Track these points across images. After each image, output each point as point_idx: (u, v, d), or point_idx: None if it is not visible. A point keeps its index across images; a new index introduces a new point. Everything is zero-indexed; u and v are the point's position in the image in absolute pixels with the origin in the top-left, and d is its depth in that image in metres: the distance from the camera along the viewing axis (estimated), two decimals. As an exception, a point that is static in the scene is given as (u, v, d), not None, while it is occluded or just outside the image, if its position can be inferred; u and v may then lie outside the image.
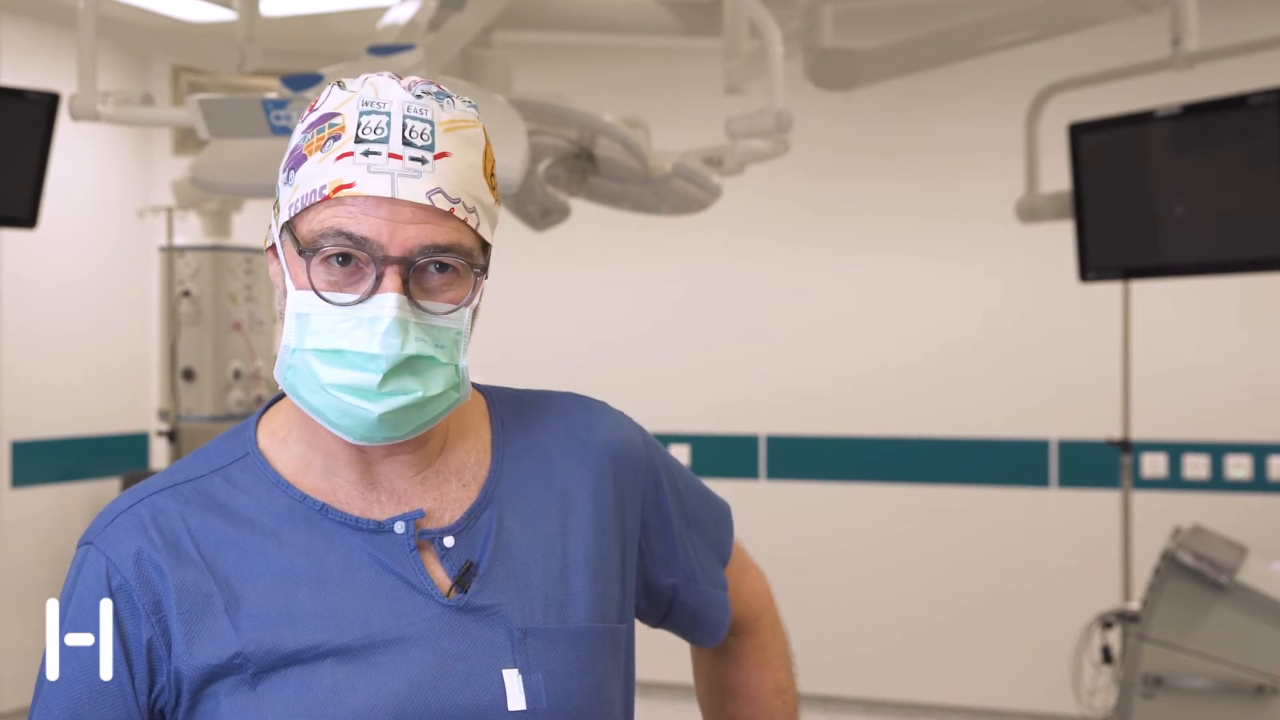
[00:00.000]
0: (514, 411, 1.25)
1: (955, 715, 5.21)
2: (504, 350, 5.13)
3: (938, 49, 3.68)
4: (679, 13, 3.80)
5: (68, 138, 4.50)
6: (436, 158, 1.08)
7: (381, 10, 3.20)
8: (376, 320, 1.06)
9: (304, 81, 2.59)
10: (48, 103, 3.41)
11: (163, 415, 4.86)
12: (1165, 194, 3.68)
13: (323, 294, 1.08)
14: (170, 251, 4.81)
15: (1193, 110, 3.51)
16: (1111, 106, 3.80)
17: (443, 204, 1.08)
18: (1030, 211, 3.99)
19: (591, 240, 5.09)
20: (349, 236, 1.06)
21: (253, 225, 4.99)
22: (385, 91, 1.09)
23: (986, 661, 5.15)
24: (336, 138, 1.08)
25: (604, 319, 5.63)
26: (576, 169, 3.39)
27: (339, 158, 1.08)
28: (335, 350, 1.07)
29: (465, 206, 1.09)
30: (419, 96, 1.10)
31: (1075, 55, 4.36)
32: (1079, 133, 3.74)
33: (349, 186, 1.07)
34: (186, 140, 5.63)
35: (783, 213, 5.43)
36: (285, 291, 1.12)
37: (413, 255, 1.07)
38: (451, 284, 1.10)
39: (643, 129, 3.39)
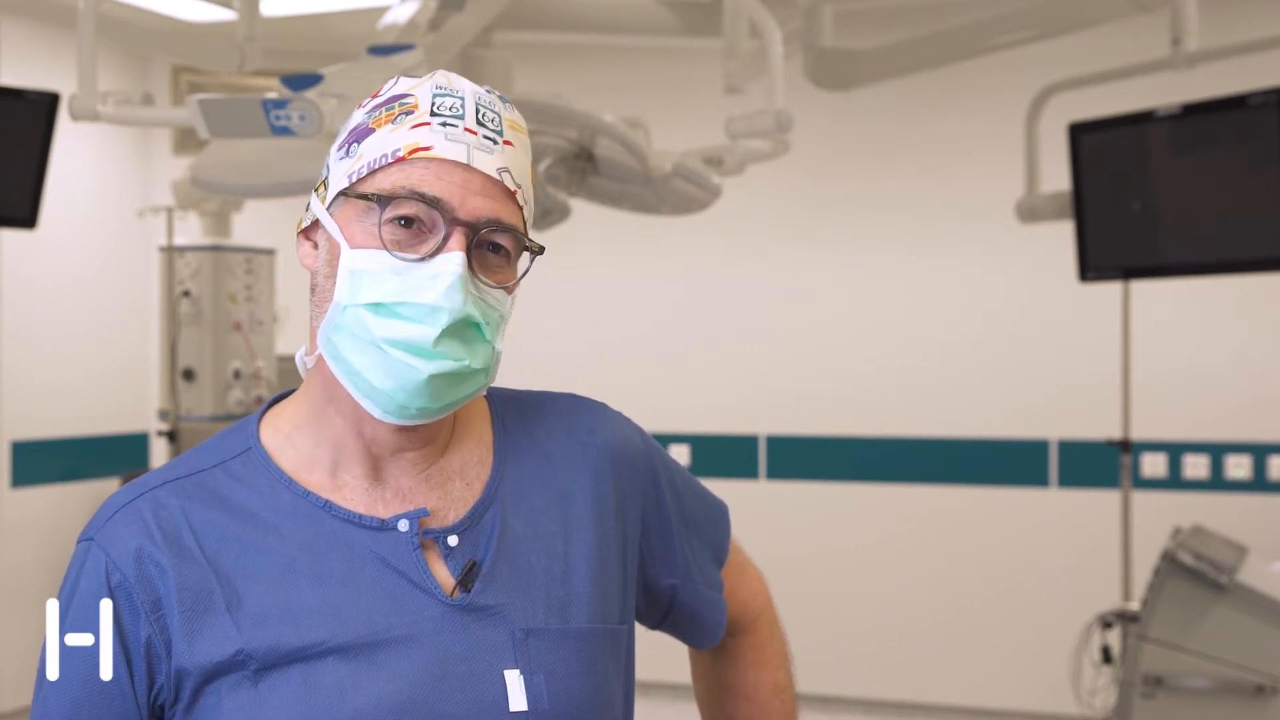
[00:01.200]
0: (515, 412, 1.25)
1: (955, 715, 5.21)
2: (504, 350, 5.12)
3: (938, 49, 3.68)
4: (679, 13, 3.80)
5: (68, 138, 4.50)
6: (504, 143, 1.13)
7: (381, 10, 3.20)
8: (439, 276, 1.08)
9: (304, 81, 2.59)
10: (48, 103, 3.41)
11: (163, 415, 4.85)
12: (1165, 194, 3.68)
13: (390, 250, 1.09)
14: (170, 251, 4.81)
15: (1193, 110, 3.51)
16: (1111, 106, 3.80)
17: (510, 183, 1.12)
18: (1030, 211, 3.99)
19: (591, 240, 5.09)
20: (422, 196, 1.09)
21: (253, 225, 4.99)
22: (457, 82, 1.15)
23: (986, 661, 5.15)
24: (409, 112, 1.12)
25: (604, 319, 5.63)
26: (576, 169, 3.39)
27: (414, 126, 1.11)
28: (393, 303, 1.08)
29: (524, 195, 1.14)
30: (488, 92, 1.16)
31: (1075, 55, 4.36)
32: (1079, 133, 3.74)
33: (426, 149, 1.10)
34: (186, 140, 5.63)
35: (783, 213, 5.43)
36: (331, 258, 1.12)
37: (480, 222, 1.10)
38: (501, 267, 1.13)
39: (643, 129, 3.39)
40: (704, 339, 5.54)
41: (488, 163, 1.11)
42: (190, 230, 4.96)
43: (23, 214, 3.48)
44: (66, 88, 3.04)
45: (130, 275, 5.79)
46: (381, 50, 2.78)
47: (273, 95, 2.57)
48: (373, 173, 1.11)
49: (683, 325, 5.56)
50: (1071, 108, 3.94)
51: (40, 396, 5.37)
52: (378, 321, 1.08)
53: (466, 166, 1.10)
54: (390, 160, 1.10)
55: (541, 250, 1.15)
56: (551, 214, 3.54)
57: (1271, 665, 3.31)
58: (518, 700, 1.11)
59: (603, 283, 5.63)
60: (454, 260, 1.08)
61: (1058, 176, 3.97)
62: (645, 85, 5.29)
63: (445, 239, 1.09)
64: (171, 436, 4.72)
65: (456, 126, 1.11)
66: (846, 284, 5.38)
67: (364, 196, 1.10)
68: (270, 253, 4.86)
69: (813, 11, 3.65)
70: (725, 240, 5.42)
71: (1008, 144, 4.41)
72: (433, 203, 1.09)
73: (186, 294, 4.77)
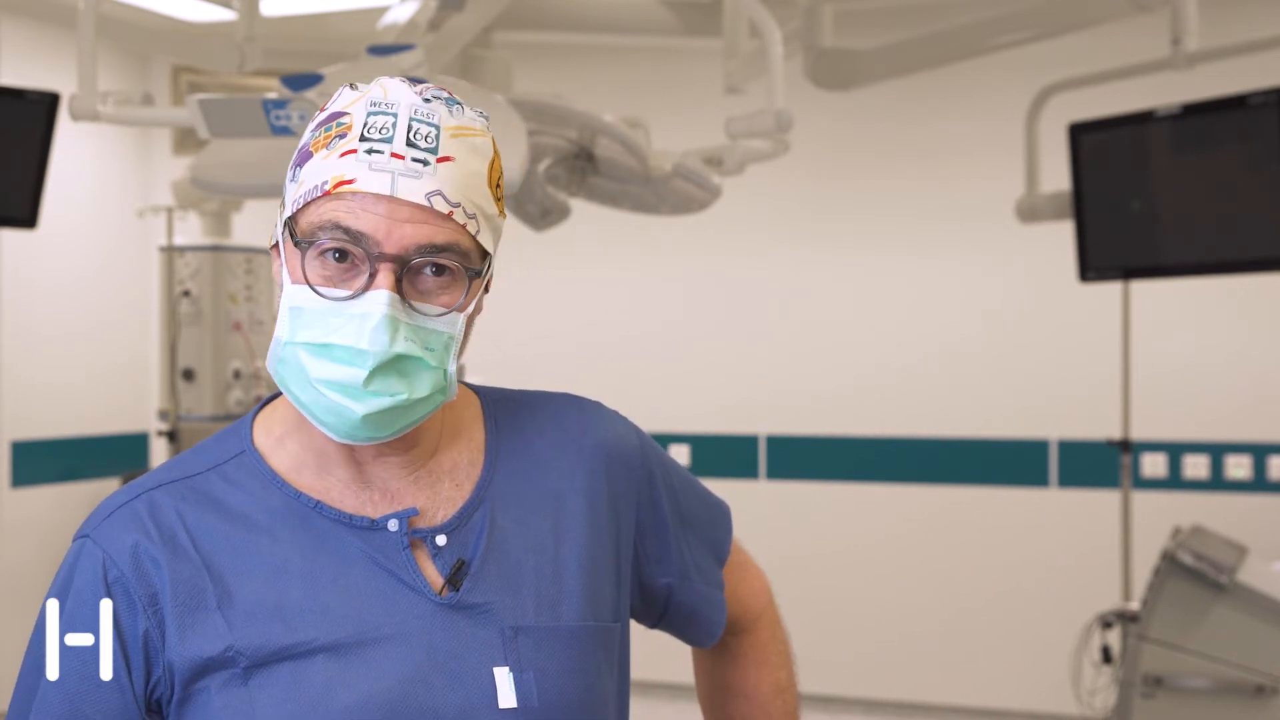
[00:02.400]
0: (507, 412, 1.25)
1: (955, 715, 5.21)
2: (504, 350, 5.12)
3: (938, 49, 3.68)
4: (679, 13, 3.80)
5: (68, 138, 4.49)
6: (439, 161, 1.09)
7: (381, 10, 3.20)
8: (367, 316, 1.07)
9: (304, 81, 2.59)
10: (48, 103, 3.41)
11: (163, 415, 4.85)
12: (1165, 194, 3.68)
13: (316, 288, 1.08)
14: (170, 251, 4.81)
15: (1193, 110, 3.51)
16: (1111, 106, 3.80)
17: (442, 206, 1.08)
18: (1030, 211, 3.99)
19: (591, 240, 5.09)
20: (345, 231, 1.07)
21: (253, 225, 4.99)
22: (394, 93, 1.10)
23: (986, 661, 5.15)
24: (342, 135, 1.09)
25: (604, 319, 5.63)
26: (576, 169, 3.39)
27: (343, 154, 1.08)
28: (324, 344, 1.08)
29: (465, 211, 1.10)
30: (428, 101, 1.11)
31: (1075, 55, 4.36)
32: (1079, 133, 3.74)
33: (349, 182, 1.07)
34: (186, 140, 5.63)
35: (783, 213, 5.43)
36: (282, 286, 1.13)
37: (408, 253, 1.07)
38: (446, 287, 1.10)
39: (643, 129, 3.39)
40: (704, 339, 5.54)
41: (414, 189, 1.07)
42: (190, 230, 4.96)
43: (23, 214, 3.48)
44: (66, 88, 3.04)
45: (130, 275, 5.79)
46: (381, 50, 2.78)
47: (273, 95, 2.56)
48: (307, 204, 1.10)
49: (683, 325, 5.56)
50: (1071, 108, 3.94)
51: (40, 396, 5.37)
52: (313, 362, 1.09)
53: (390, 198, 1.07)
54: (319, 194, 1.09)
55: (479, 273, 1.11)
56: (551, 214, 3.54)
57: (1271, 665, 3.31)
58: (507, 697, 1.11)
59: (603, 283, 5.63)
60: (379, 299, 1.06)
61: (1058, 176, 3.97)
62: (645, 85, 5.28)
63: (372, 276, 1.07)
64: (171, 436, 4.72)
65: (383, 153, 1.07)
66: (846, 284, 5.38)
67: (292, 235, 1.10)
68: (270, 253, 4.86)
69: (813, 11, 3.65)
70: (725, 240, 5.42)
71: (1008, 144, 4.41)
72: (356, 238, 1.07)
73: (186, 294, 4.77)
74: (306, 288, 1.09)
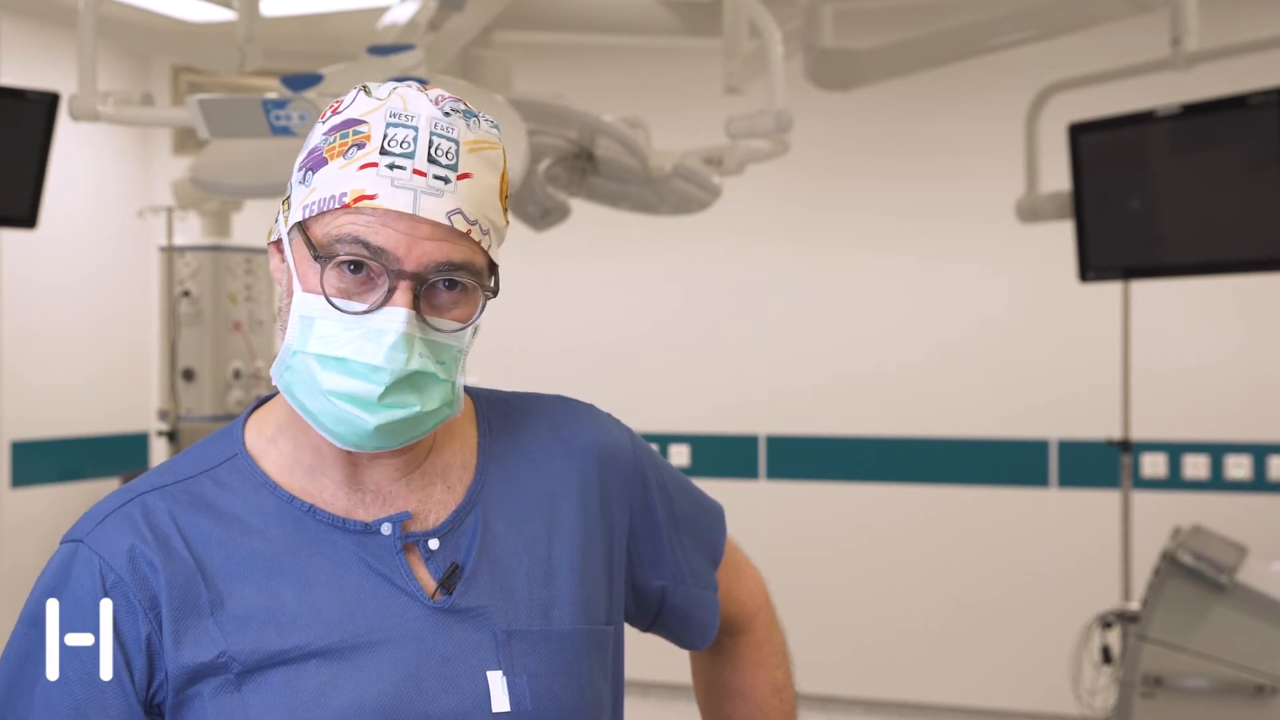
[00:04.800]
0: (500, 414, 1.25)
1: (955, 715, 5.21)
2: (504, 350, 5.12)
3: (938, 49, 3.68)
4: (679, 13, 3.80)
5: (68, 138, 4.50)
6: (459, 178, 1.09)
7: (381, 10, 3.20)
8: (384, 333, 1.07)
9: (304, 81, 2.59)
10: (48, 103, 3.41)
11: (162, 415, 4.85)
12: (1165, 194, 3.68)
13: (333, 300, 1.08)
14: (170, 251, 4.81)
15: (1193, 110, 3.51)
16: (1111, 106, 3.80)
17: (461, 225, 1.08)
18: (1030, 211, 3.99)
19: (591, 240, 5.09)
20: (366, 245, 1.07)
21: (253, 225, 4.99)
22: (414, 105, 1.10)
23: (986, 661, 5.15)
24: (360, 145, 1.09)
25: (604, 319, 5.63)
26: (576, 169, 3.39)
27: (362, 167, 1.08)
28: (339, 358, 1.08)
29: (481, 228, 1.10)
30: (447, 114, 1.10)
31: (1075, 55, 4.36)
32: (1079, 133, 3.74)
33: (371, 198, 1.07)
34: (186, 140, 5.63)
35: (783, 213, 5.43)
36: (289, 290, 1.12)
37: (427, 271, 1.07)
38: (459, 302, 1.10)
39: (643, 129, 3.39)
40: (704, 339, 5.54)
41: (436, 208, 1.07)
42: (190, 230, 4.96)
43: (23, 214, 3.48)
44: (66, 88, 3.04)
45: (130, 275, 5.79)
46: (381, 50, 2.78)
47: (273, 95, 2.56)
48: (322, 213, 1.09)
49: (683, 325, 5.56)
50: (1071, 108, 3.94)
51: (40, 396, 5.37)
52: (324, 374, 1.08)
53: (413, 216, 1.07)
54: (337, 205, 1.08)
55: (495, 293, 1.12)
56: (551, 214, 3.54)
57: (1271, 665, 3.31)
58: (500, 701, 1.11)
59: (603, 283, 5.63)
60: (398, 317, 1.07)
61: (1058, 176, 3.97)
62: (645, 85, 5.29)
63: (390, 291, 1.07)
64: (171, 436, 4.72)
65: (405, 169, 1.07)
66: (846, 284, 5.38)
67: (309, 244, 1.09)
68: (269, 249, 4.85)
69: (813, 11, 3.65)
70: (725, 240, 5.42)
71: (1008, 144, 4.41)
72: (376, 254, 1.07)
73: (186, 294, 4.77)
74: (320, 298, 1.08)
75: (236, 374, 4.78)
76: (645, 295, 5.60)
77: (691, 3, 3.77)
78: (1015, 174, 4.11)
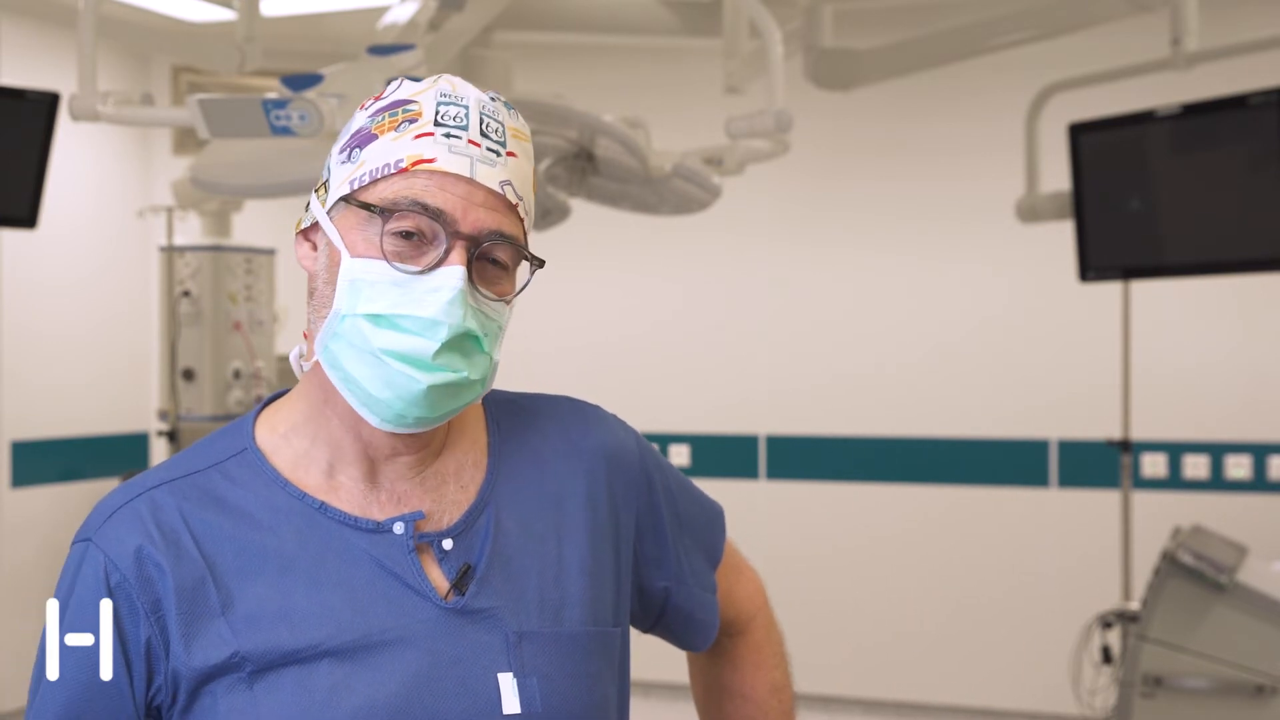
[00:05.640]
0: (510, 415, 1.25)
1: (955, 715, 5.21)
2: (504, 350, 5.11)
3: (938, 49, 3.68)
4: (679, 13, 3.80)
5: (68, 138, 4.50)
6: (507, 154, 1.13)
7: (381, 10, 3.20)
8: (439, 290, 1.08)
9: (304, 82, 2.59)
10: (48, 103, 3.41)
11: (162, 415, 4.85)
12: (1165, 194, 3.68)
13: (391, 260, 1.09)
14: (170, 251, 4.81)
15: (1193, 110, 3.51)
16: (1111, 106, 3.80)
17: (512, 196, 1.12)
18: (1030, 211, 3.99)
19: (591, 240, 5.09)
20: (425, 207, 1.09)
21: (253, 225, 4.99)
22: (461, 88, 1.14)
23: (986, 661, 5.16)
24: (413, 120, 1.11)
25: (604, 319, 5.63)
26: (576, 169, 3.39)
27: (418, 136, 1.10)
28: (394, 314, 1.08)
29: (525, 207, 1.14)
30: (492, 99, 1.14)
31: (1075, 55, 4.36)
32: (1079, 133, 3.74)
33: (429, 161, 1.09)
34: (186, 140, 5.63)
35: (783, 213, 5.43)
36: (332, 264, 1.12)
37: (481, 235, 1.10)
38: (501, 279, 1.13)
39: (643, 129, 3.39)
40: (704, 339, 5.54)
41: (490, 176, 1.10)
42: (190, 230, 4.95)
43: (23, 214, 3.48)
44: (66, 88, 3.04)
45: (130, 275, 5.79)
46: (381, 50, 2.79)
47: (273, 95, 2.57)
48: (374, 182, 1.10)
49: (683, 325, 5.56)
50: (1071, 108, 3.94)
51: (40, 396, 5.37)
52: (377, 333, 1.09)
53: (470, 180, 1.10)
54: (393, 171, 1.10)
55: (542, 264, 1.15)
56: (551, 214, 3.54)
57: (1271, 665, 3.31)
58: (511, 703, 1.11)
59: (603, 283, 5.63)
60: (455, 274, 1.08)
61: (1058, 176, 3.97)
62: (645, 85, 5.29)
63: (447, 252, 1.09)
64: (171, 436, 4.72)
65: (460, 139, 1.10)
66: (846, 284, 5.38)
67: (366, 206, 1.10)
68: (270, 253, 4.86)
69: (813, 11, 3.65)
70: (725, 240, 5.42)
71: (1008, 144, 4.41)
72: (435, 215, 1.09)
73: (186, 294, 4.77)
74: (373, 261, 1.09)
75: (236, 374, 4.78)
76: (645, 295, 5.61)
77: (691, 3, 3.77)
78: (1015, 174, 4.11)
